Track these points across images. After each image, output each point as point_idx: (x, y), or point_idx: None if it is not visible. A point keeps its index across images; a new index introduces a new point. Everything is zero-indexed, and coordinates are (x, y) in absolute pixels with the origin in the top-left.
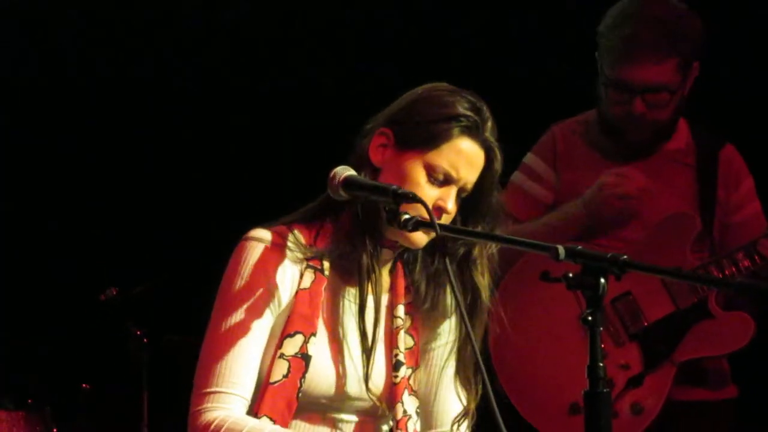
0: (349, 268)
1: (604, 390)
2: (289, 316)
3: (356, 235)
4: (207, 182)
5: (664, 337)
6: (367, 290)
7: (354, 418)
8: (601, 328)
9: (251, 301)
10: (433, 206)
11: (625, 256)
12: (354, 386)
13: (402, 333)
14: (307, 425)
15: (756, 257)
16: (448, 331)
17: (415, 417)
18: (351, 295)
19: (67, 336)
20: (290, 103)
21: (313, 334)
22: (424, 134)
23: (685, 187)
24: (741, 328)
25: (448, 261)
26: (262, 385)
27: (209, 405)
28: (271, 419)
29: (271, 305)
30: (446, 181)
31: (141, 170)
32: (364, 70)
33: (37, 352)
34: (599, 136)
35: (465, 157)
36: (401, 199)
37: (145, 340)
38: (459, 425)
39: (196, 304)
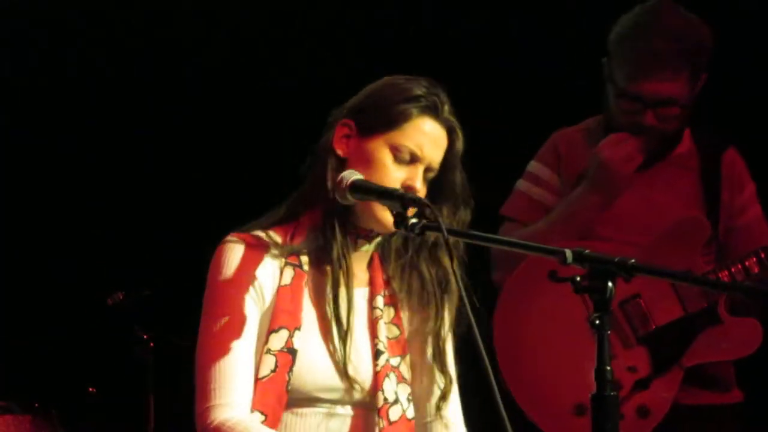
0: (325, 261)
1: (611, 393)
2: (272, 313)
3: (328, 228)
4: (214, 184)
5: (673, 342)
6: (340, 280)
7: (348, 411)
8: (609, 331)
9: (238, 301)
10: (402, 186)
11: (633, 260)
12: (342, 377)
13: (381, 323)
14: (301, 419)
15: (766, 262)
16: (429, 320)
17: (405, 404)
18: (330, 287)
19: (73, 340)
20: (293, 104)
21: (298, 329)
22: (385, 117)
23: (689, 191)
24: (750, 333)
25: (455, 265)
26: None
27: (215, 410)
28: (262, 414)
29: (257, 303)
30: (412, 160)
31: (150, 173)
32: (365, 70)
33: (44, 356)
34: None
35: (427, 136)
36: (409, 203)
37: (151, 344)
38: (440, 410)
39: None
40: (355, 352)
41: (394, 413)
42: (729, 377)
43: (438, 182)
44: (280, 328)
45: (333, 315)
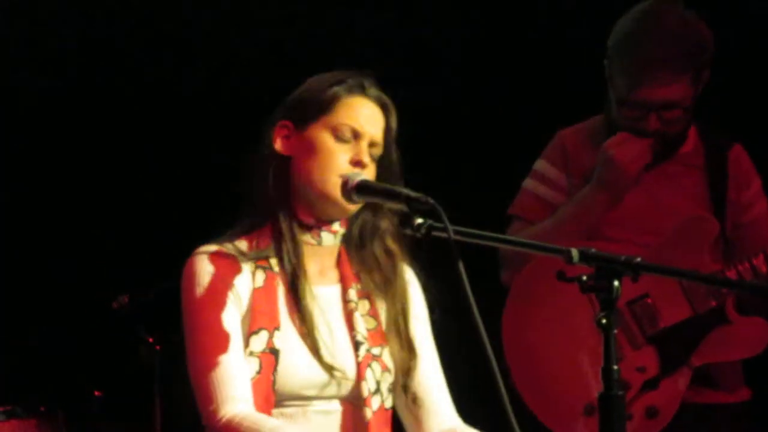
0: (285, 263)
1: (619, 392)
2: (250, 316)
3: (278, 233)
4: (219, 186)
5: (682, 342)
6: (301, 280)
7: (337, 406)
8: (617, 331)
9: (218, 307)
10: (350, 162)
11: (639, 259)
12: (326, 372)
13: (357, 315)
14: (290, 419)
15: None
16: (392, 305)
17: (385, 394)
18: (293, 288)
19: (78, 343)
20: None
21: (277, 329)
22: (317, 105)
23: (695, 189)
24: (759, 333)
25: (461, 266)
26: None
27: (222, 407)
28: None
29: (236, 306)
30: (354, 137)
31: (155, 175)
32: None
33: (49, 360)
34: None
35: (362, 111)
36: (414, 203)
37: (156, 346)
38: (406, 388)
39: None
40: (336, 346)
41: (375, 403)
42: (736, 376)
43: (381, 160)
44: (260, 329)
45: (305, 314)
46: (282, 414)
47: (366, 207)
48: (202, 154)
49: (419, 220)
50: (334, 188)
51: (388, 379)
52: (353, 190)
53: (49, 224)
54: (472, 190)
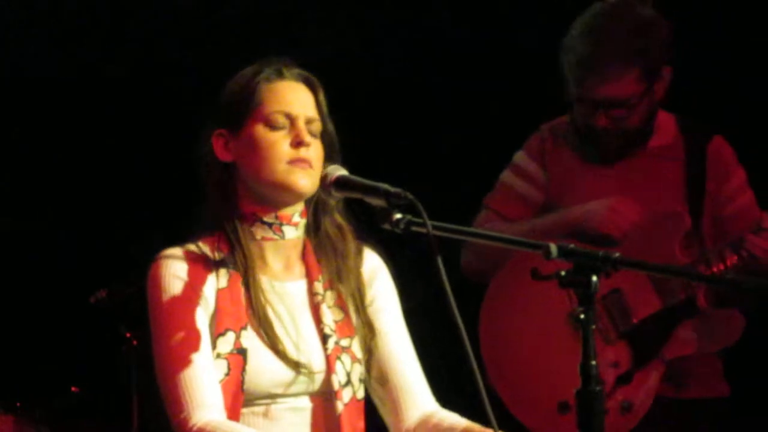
0: (254, 259)
1: (597, 388)
2: (216, 317)
3: (233, 237)
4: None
5: (653, 335)
6: (261, 279)
7: (307, 402)
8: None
9: (185, 310)
10: (291, 145)
11: (618, 254)
12: (294, 369)
13: (324, 307)
14: (262, 418)
15: (743, 253)
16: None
17: (356, 385)
18: (267, 283)
19: (56, 339)
20: None
21: (244, 328)
22: (242, 104)
23: (673, 182)
24: (731, 324)
25: (440, 261)
26: None
27: (193, 415)
28: None
29: (203, 308)
30: (289, 119)
31: (133, 170)
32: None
33: (26, 356)
34: (577, 140)
35: (288, 95)
36: (393, 198)
37: (134, 342)
38: (369, 368)
39: None
40: (303, 342)
41: (346, 395)
42: (716, 370)
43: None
44: (227, 330)
45: (261, 313)
46: (252, 413)
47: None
48: (181, 149)
49: (398, 216)
50: (283, 174)
51: (358, 370)
52: (332, 185)
53: (25, 219)
54: (453, 184)
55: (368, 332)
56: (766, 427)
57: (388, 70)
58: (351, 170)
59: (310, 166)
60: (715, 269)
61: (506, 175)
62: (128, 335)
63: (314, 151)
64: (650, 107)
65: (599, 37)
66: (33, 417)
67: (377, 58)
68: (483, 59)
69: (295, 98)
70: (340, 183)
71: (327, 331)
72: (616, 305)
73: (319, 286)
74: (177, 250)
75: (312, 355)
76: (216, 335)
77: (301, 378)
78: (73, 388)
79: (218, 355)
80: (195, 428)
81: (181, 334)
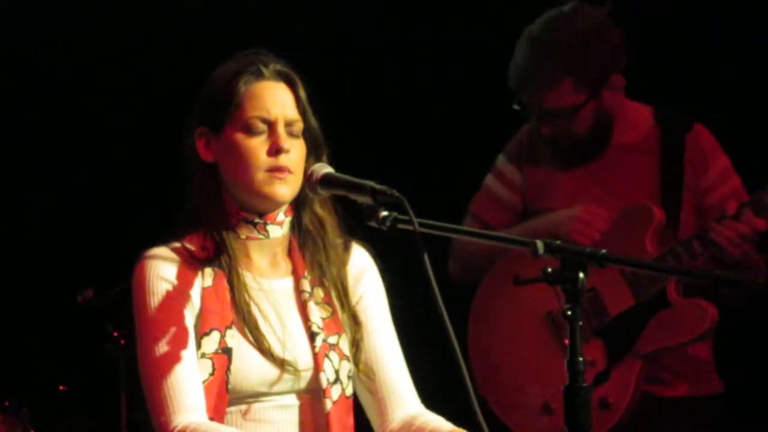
0: (238, 257)
1: (584, 384)
2: (201, 316)
3: (218, 237)
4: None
5: (626, 330)
6: (245, 278)
7: (294, 400)
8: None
9: (170, 311)
10: (268, 154)
11: (604, 251)
12: (280, 367)
13: (311, 305)
14: (248, 416)
15: (710, 244)
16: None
17: (345, 382)
18: (252, 281)
19: (44, 338)
20: None
21: (229, 327)
22: (222, 106)
23: (647, 176)
24: (698, 314)
25: (426, 257)
26: None
27: (174, 418)
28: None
29: (188, 309)
30: (267, 125)
31: (120, 168)
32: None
33: (14, 355)
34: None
35: (264, 96)
36: (379, 195)
37: (122, 341)
38: (357, 362)
39: None
40: (290, 340)
41: (335, 392)
42: (707, 367)
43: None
44: (211, 330)
45: (245, 312)
46: (239, 411)
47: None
48: (169, 145)
49: (384, 213)
50: (261, 184)
51: (346, 367)
52: (318, 182)
53: (12, 218)
54: (441, 183)
55: (354, 325)
56: (762, 424)
57: (376, 68)
58: (337, 168)
59: (290, 172)
60: (684, 261)
61: (488, 179)
62: (115, 334)
63: (295, 154)
64: (598, 114)
65: (534, 48)
66: (21, 416)
67: (362, 54)
68: (471, 56)
69: (273, 101)
70: (325, 181)
71: (314, 328)
72: (591, 303)
73: (305, 283)
74: (162, 250)
75: (299, 353)
76: (201, 335)
77: (287, 376)
78: (60, 387)
79: (203, 355)
80: (176, 431)
81: (165, 337)
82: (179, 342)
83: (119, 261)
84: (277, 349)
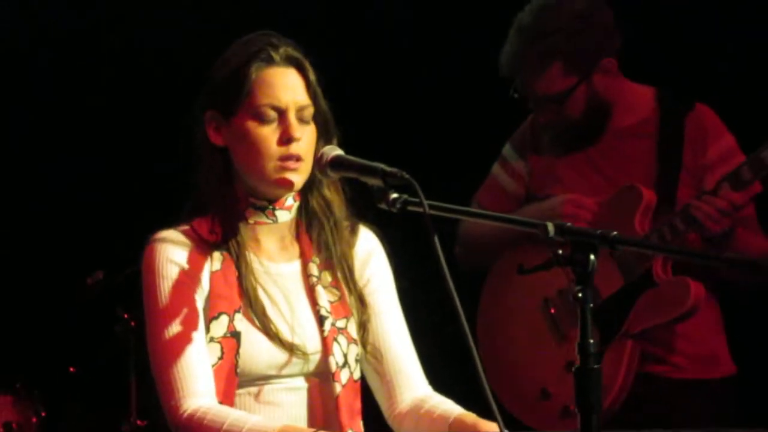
0: (246, 242)
1: (595, 366)
2: (210, 300)
3: (226, 222)
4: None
5: (616, 311)
6: (253, 262)
7: (302, 383)
8: (553, 311)
9: (179, 295)
10: (278, 143)
11: (615, 232)
12: (289, 351)
13: (320, 288)
14: (256, 399)
15: (691, 221)
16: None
17: (353, 365)
18: (260, 265)
19: (54, 320)
20: None
21: (237, 311)
22: (233, 92)
23: (643, 160)
24: (681, 292)
25: (436, 239)
26: None
27: (184, 402)
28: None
29: (197, 293)
30: (278, 113)
31: (128, 151)
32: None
33: (25, 337)
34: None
35: (276, 83)
36: (389, 178)
37: (132, 323)
38: (365, 344)
39: None
40: (298, 324)
41: (344, 376)
42: (719, 350)
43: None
44: (220, 314)
45: (252, 296)
46: (247, 393)
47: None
48: (178, 129)
49: (394, 195)
50: (273, 173)
51: (354, 350)
52: (328, 165)
53: (22, 200)
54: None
55: (361, 307)
56: None
57: (387, 52)
58: (346, 152)
59: (301, 160)
60: (669, 239)
61: (495, 168)
62: (126, 316)
63: (305, 141)
64: (590, 99)
65: (523, 35)
66: (32, 397)
67: (372, 37)
68: (480, 46)
69: (284, 87)
70: (336, 163)
71: (323, 312)
72: None
73: (313, 267)
74: (172, 233)
75: (307, 337)
76: (209, 319)
77: (296, 360)
78: (71, 369)
79: (211, 339)
80: (185, 414)
81: (175, 320)
82: (189, 326)
83: (129, 243)
84: (285, 334)
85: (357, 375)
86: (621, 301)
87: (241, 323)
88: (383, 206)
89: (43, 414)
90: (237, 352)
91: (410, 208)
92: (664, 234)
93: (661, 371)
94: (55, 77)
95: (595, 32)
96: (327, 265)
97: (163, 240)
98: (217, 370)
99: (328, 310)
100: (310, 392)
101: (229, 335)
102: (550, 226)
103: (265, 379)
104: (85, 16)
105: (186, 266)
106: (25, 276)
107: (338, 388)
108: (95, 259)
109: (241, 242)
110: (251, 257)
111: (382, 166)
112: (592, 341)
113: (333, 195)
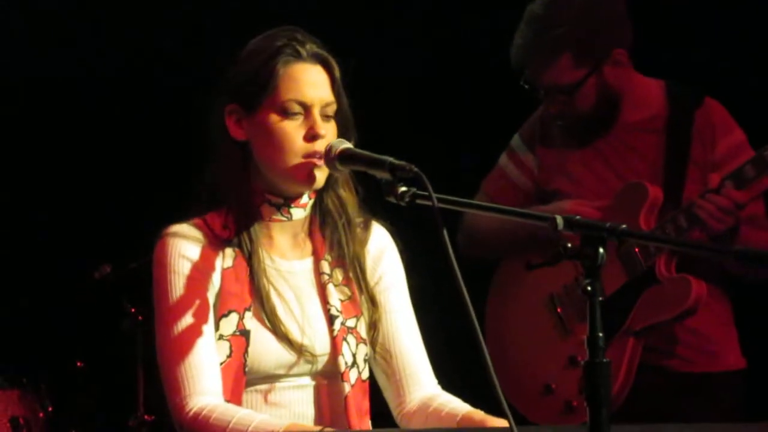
0: (260, 239)
1: (604, 360)
2: (220, 297)
3: (242, 217)
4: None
5: (618, 308)
6: (265, 259)
7: (309, 381)
8: (560, 309)
9: (190, 291)
10: (305, 139)
11: (624, 225)
12: (298, 351)
13: (331, 287)
14: (264, 397)
15: (694, 218)
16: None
17: (361, 365)
18: (272, 263)
19: (61, 314)
20: None
21: (247, 309)
22: (258, 86)
23: (651, 155)
24: (682, 290)
25: (445, 233)
26: None
27: (190, 400)
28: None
29: (208, 290)
30: (304, 109)
31: (135, 145)
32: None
33: (31, 331)
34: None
35: (303, 79)
36: (398, 171)
37: (139, 317)
38: (374, 343)
39: None
40: (308, 323)
41: (352, 376)
42: (728, 343)
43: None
44: (230, 311)
45: (263, 296)
46: (256, 391)
47: None
48: (187, 121)
49: (403, 188)
50: (297, 170)
51: (363, 350)
52: (336, 158)
53: (29, 194)
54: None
55: (371, 306)
56: None
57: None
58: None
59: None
60: (671, 233)
61: (502, 158)
62: (133, 310)
63: (329, 138)
64: (601, 90)
65: (533, 25)
66: (38, 391)
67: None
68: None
69: (310, 84)
70: (344, 156)
71: (333, 311)
72: None
73: (325, 265)
74: (184, 227)
75: (316, 337)
76: (219, 316)
77: (305, 359)
78: (78, 363)
79: (221, 337)
80: (191, 413)
81: (185, 317)
82: (199, 323)
83: (136, 237)
84: (295, 334)
85: (365, 375)
86: (624, 298)
87: (251, 322)
88: (392, 199)
89: (50, 408)
90: (246, 351)
91: (419, 201)
92: (668, 231)
93: (668, 364)
94: (62, 68)
95: (606, 23)
96: (339, 263)
97: (176, 234)
98: (225, 368)
99: (339, 308)
100: (318, 391)
101: (238, 333)
102: (559, 220)
103: (274, 378)
104: (85, 13)
105: (199, 262)
106: (32, 270)
107: (347, 388)
108: (102, 253)
109: (254, 239)
110: (263, 254)
111: (390, 159)
112: (601, 335)
113: (347, 194)
